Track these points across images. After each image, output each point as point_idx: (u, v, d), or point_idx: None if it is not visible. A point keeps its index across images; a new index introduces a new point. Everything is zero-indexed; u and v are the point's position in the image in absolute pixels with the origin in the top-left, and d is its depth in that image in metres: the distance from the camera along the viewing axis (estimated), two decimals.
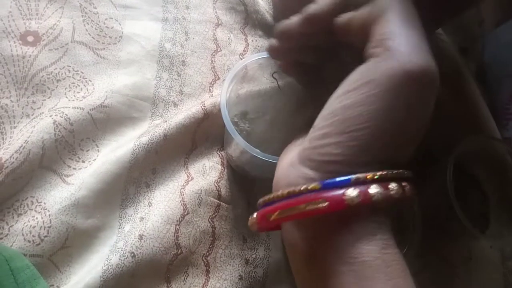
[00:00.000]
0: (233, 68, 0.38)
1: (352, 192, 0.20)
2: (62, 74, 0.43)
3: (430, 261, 0.45)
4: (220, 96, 0.39)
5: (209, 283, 0.39)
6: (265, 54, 0.41)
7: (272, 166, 0.41)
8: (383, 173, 0.21)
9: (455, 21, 0.60)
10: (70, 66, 0.43)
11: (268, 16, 0.53)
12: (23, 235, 0.36)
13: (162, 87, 0.46)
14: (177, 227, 0.39)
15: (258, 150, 0.35)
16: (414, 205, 0.36)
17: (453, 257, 0.46)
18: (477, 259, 0.47)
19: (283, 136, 0.43)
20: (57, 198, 0.38)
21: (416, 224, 0.36)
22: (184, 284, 0.39)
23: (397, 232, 0.38)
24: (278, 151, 0.41)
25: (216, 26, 0.51)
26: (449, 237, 0.46)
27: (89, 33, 0.45)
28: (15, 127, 0.40)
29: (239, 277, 0.40)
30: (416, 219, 0.36)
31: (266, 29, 0.53)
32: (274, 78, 0.39)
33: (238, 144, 0.35)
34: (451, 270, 0.46)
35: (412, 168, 0.41)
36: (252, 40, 0.52)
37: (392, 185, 0.21)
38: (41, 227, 0.37)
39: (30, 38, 0.43)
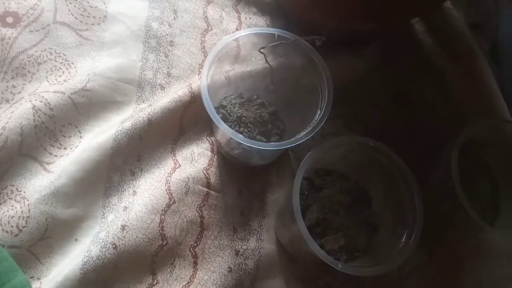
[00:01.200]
0: (213, 48, 0.35)
1: None
2: (43, 56, 0.41)
3: (436, 254, 0.43)
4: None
5: (196, 275, 0.37)
6: (257, 30, 0.38)
7: (263, 152, 0.39)
8: None
9: None
10: (51, 49, 0.41)
11: None
12: (1, 225, 0.35)
13: (149, 69, 0.43)
14: (162, 217, 0.37)
15: (241, 136, 0.32)
16: (415, 196, 0.33)
17: (461, 250, 0.43)
18: (486, 251, 0.43)
19: (276, 120, 0.40)
20: (37, 186, 0.36)
21: (417, 216, 0.33)
22: (171, 276, 0.37)
23: (397, 224, 0.35)
24: (269, 136, 0.39)
25: (207, 4, 0.48)
26: (456, 229, 0.43)
27: (71, 13, 0.43)
28: None
29: (229, 269, 0.38)
30: (417, 210, 0.33)
31: (260, 6, 0.49)
32: (262, 53, 0.36)
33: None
34: (458, 263, 0.43)
35: (418, 156, 0.39)
36: (245, 18, 0.48)
37: None
38: (19, 217, 0.35)
39: (9, 19, 0.41)
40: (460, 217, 0.39)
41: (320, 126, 0.33)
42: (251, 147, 0.32)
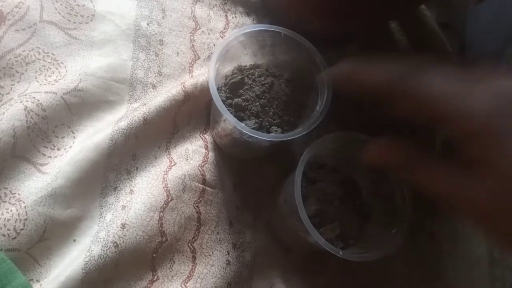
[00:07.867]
0: (218, 45, 0.36)
1: None
2: (31, 56, 0.40)
3: (418, 240, 0.46)
4: (202, 75, 0.37)
5: (196, 269, 0.38)
6: (247, 29, 0.39)
7: (264, 143, 0.40)
8: None
9: None
10: (39, 48, 0.41)
11: None
12: None
13: (140, 68, 0.43)
14: (161, 214, 0.38)
15: (248, 128, 0.34)
16: (405, 186, 0.36)
17: (440, 235, 0.46)
18: (462, 236, 0.47)
19: (272, 112, 0.41)
20: (32, 188, 0.36)
21: (407, 205, 0.35)
22: (170, 271, 0.38)
23: (387, 212, 0.38)
24: (265, 128, 0.40)
25: (194, 3, 0.48)
26: (436, 216, 0.46)
27: (58, 12, 0.42)
28: None
29: (227, 262, 0.40)
30: (407, 200, 0.35)
31: (247, 5, 0.50)
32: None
33: (227, 121, 0.34)
34: (437, 247, 0.46)
35: None
36: (232, 17, 0.49)
37: None
38: (16, 219, 0.35)
39: None
40: (440, 205, 0.43)
41: (319, 121, 0.34)
42: (257, 138, 0.33)
